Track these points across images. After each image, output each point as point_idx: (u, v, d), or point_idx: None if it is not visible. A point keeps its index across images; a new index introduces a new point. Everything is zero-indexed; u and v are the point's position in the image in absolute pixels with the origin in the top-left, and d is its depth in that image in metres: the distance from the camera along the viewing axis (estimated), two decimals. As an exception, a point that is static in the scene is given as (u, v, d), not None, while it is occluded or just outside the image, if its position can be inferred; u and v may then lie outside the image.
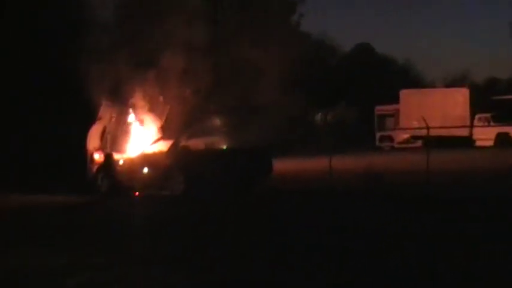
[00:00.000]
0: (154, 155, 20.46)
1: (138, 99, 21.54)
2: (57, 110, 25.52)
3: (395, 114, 45.21)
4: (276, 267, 8.66)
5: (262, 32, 36.26)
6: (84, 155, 21.62)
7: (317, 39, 59.83)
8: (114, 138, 21.65)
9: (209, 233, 12.03)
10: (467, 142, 38.86)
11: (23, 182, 21.36)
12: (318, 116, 49.02)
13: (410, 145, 41.75)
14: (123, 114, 21.89)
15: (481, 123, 40.08)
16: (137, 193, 19.93)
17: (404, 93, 44.96)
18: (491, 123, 39.24)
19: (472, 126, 40.31)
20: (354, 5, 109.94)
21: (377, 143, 46.02)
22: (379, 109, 47.88)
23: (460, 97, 43.83)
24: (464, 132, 39.56)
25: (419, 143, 39.82)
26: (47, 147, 24.54)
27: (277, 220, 13.51)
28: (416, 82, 63.76)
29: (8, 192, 19.07)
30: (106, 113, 21.87)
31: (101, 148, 21.47)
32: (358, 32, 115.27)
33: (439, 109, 40.56)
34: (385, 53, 70.71)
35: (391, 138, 45.82)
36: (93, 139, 21.68)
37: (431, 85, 63.33)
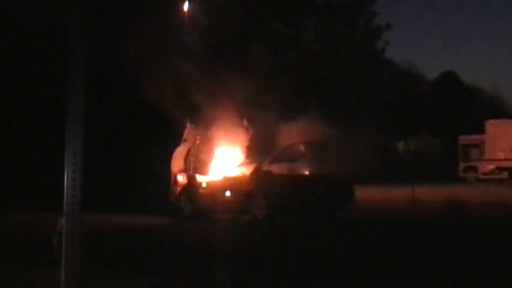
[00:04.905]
0: (237, 178, 20.55)
1: (222, 122, 21.73)
2: (143, 132, 26.06)
3: (480, 145, 44.21)
4: None
5: (345, 57, 36.37)
6: (168, 177, 21.94)
7: (401, 68, 59.33)
8: (197, 160, 21.86)
9: (290, 260, 11.99)
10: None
11: (109, 201, 21.75)
12: (400, 145, 48.36)
13: (495, 176, 40.73)
14: (207, 137, 22.10)
15: None
16: (219, 217, 20.02)
17: (490, 124, 43.96)
18: None
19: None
20: (439, 33, 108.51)
21: (460, 173, 45.03)
22: (464, 139, 46.88)
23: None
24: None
25: (505, 174, 38.83)
26: (133, 168, 25.06)
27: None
28: (503, 112, 62.22)
29: (95, 213, 19.41)
30: (190, 136, 22.14)
31: (185, 170, 21.71)
32: (443, 60, 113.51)
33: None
34: (471, 81, 69.55)
35: (475, 169, 44.75)
36: (177, 161, 21.96)
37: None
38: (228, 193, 20.11)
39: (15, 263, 11.41)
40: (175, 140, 22.49)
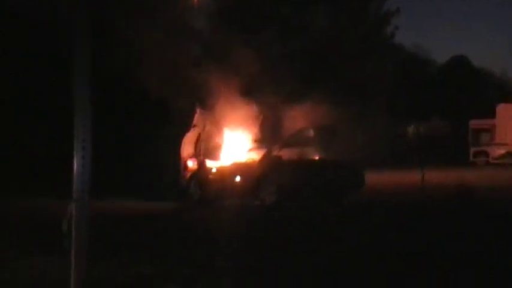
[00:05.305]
0: (247, 164, 20.56)
1: (231, 107, 21.71)
2: (153, 117, 26.10)
3: (491, 129, 44.00)
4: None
5: (355, 43, 36.24)
6: (178, 162, 21.96)
7: (410, 52, 59.11)
8: (207, 146, 21.87)
9: (297, 246, 11.99)
10: None
11: (122, 187, 21.80)
12: (411, 129, 48.21)
13: (506, 161, 40.59)
14: (217, 123, 22.10)
15: None
16: (229, 202, 20.01)
17: (501, 108, 43.74)
18: None
19: None
20: (450, 18, 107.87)
21: (471, 158, 44.87)
22: (474, 123, 46.61)
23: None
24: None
25: (516, 159, 38.75)
26: (144, 154, 25.11)
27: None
28: (513, 96, 61.93)
29: (104, 199, 19.44)
30: (200, 121, 22.14)
31: (195, 155, 21.71)
32: (455, 44, 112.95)
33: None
34: (482, 65, 69.18)
35: (486, 154, 44.58)
36: (187, 146, 21.96)
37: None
38: (237, 178, 20.09)
39: (15, 249, 11.45)
40: (185, 126, 22.51)
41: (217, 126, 21.97)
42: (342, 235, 13.33)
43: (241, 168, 20.34)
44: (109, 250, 10.79)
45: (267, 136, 21.80)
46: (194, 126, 22.25)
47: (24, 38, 25.44)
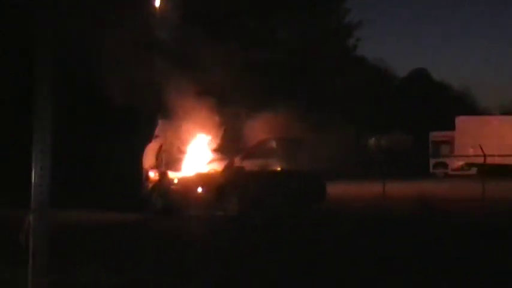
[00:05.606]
0: (209, 174, 20.55)
1: (194, 118, 21.68)
2: (114, 128, 25.92)
3: (450, 141, 44.59)
4: None
5: (318, 56, 36.48)
6: (140, 173, 21.85)
7: (372, 65, 59.67)
8: (169, 157, 21.82)
9: (260, 254, 12.04)
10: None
11: (80, 198, 21.60)
12: (372, 141, 48.64)
13: (464, 172, 41.13)
14: (179, 133, 22.05)
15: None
16: (191, 213, 19.96)
17: (460, 120, 44.31)
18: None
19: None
20: (411, 31, 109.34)
21: (431, 169, 45.42)
22: (434, 135, 47.25)
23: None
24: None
25: (473, 170, 39.24)
26: (104, 164, 24.93)
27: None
28: (473, 109, 62.87)
29: (65, 209, 19.25)
30: (162, 132, 22.09)
31: (156, 166, 21.66)
32: (415, 57, 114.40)
33: (495, 137, 39.80)
34: (442, 79, 70.18)
35: (445, 165, 45.19)
36: (149, 157, 21.90)
37: (487, 112, 62.31)
38: (200, 189, 20.06)
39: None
40: (147, 136, 22.42)
41: (180, 137, 21.92)
42: (305, 242, 13.44)
43: (204, 179, 20.34)
44: (70, 260, 10.68)
45: (230, 147, 21.79)
46: (156, 136, 22.19)
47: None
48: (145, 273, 10.02)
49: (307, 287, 9.18)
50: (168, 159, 21.72)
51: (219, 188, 19.62)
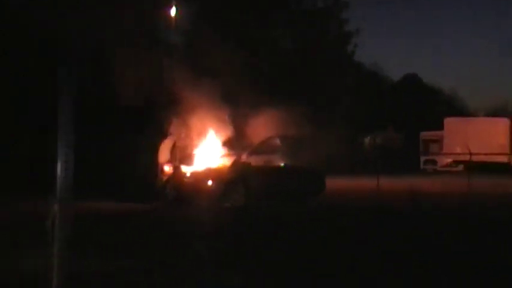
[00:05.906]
0: (218, 169, 20.62)
1: (205, 117, 21.79)
2: (133, 125, 25.91)
3: (439, 140, 44.64)
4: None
5: (318, 61, 36.48)
6: (156, 167, 21.93)
7: (369, 70, 59.72)
8: (182, 152, 21.92)
9: (259, 239, 12.09)
10: (506, 168, 37.93)
11: (100, 190, 21.55)
12: (367, 139, 48.67)
13: (452, 169, 41.14)
14: (192, 131, 22.14)
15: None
16: (202, 203, 20.01)
17: (448, 121, 44.44)
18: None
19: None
20: (403, 36, 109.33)
21: (421, 165, 45.45)
22: (425, 135, 47.38)
23: (501, 126, 43.03)
24: (503, 159, 38.68)
25: (460, 167, 39.24)
26: (124, 158, 24.88)
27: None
28: (461, 111, 62.83)
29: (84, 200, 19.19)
30: (176, 129, 22.19)
31: (171, 161, 21.75)
32: (407, 64, 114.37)
33: (480, 137, 39.82)
34: (432, 83, 70.28)
35: (434, 162, 45.23)
36: (164, 152, 21.99)
37: (474, 114, 62.35)
38: (209, 182, 20.13)
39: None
40: (162, 134, 22.48)
41: (192, 135, 22.00)
42: (308, 231, 13.55)
43: (213, 173, 20.38)
44: (87, 247, 10.68)
45: (237, 144, 21.85)
46: (170, 134, 22.29)
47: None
48: (150, 260, 9.94)
49: (310, 269, 9.16)
50: (181, 155, 21.79)
51: (227, 181, 19.71)
